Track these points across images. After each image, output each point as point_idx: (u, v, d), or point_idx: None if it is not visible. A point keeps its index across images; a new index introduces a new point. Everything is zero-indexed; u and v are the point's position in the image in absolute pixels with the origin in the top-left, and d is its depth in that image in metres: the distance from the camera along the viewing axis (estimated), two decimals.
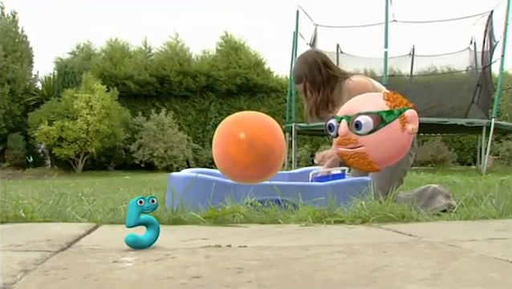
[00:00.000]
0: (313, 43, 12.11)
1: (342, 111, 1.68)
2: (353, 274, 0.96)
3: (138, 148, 13.20)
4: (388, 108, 1.58)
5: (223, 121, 1.31)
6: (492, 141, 10.18)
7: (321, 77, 2.72)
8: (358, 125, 1.57)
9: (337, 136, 1.65)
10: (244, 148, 1.21)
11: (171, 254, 1.16)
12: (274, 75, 15.91)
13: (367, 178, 2.36)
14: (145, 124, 13.35)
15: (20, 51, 13.75)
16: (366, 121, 1.57)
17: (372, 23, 11.11)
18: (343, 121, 1.62)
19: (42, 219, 1.71)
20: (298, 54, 3.18)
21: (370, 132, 1.57)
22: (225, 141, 1.26)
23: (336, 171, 2.59)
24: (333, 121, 1.67)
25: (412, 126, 1.59)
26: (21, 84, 13.55)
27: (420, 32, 12.46)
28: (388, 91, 1.83)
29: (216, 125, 1.44)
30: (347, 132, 1.60)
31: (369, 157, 1.62)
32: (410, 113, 1.58)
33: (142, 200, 1.24)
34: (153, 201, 1.25)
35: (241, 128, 1.24)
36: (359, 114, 1.59)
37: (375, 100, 1.64)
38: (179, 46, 15.40)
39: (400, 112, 1.56)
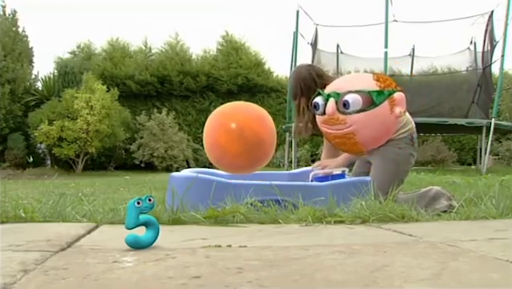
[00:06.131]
0: (314, 43, 12.11)
1: (330, 87, 1.63)
2: (353, 274, 0.96)
3: (138, 148, 13.20)
4: (377, 88, 1.55)
5: (213, 112, 1.30)
6: (492, 141, 10.16)
7: (315, 88, 2.61)
8: (346, 104, 1.52)
9: (323, 114, 1.60)
10: (234, 138, 1.20)
11: (171, 254, 1.16)
12: (274, 75, 15.90)
13: (367, 178, 2.35)
14: (147, 124, 13.38)
15: (20, 51, 13.73)
16: (354, 99, 1.52)
17: (372, 23, 11.12)
18: (331, 100, 1.57)
19: (42, 219, 1.71)
20: (295, 68, 2.94)
21: (358, 112, 1.53)
22: (215, 131, 1.25)
23: (336, 171, 2.59)
24: (319, 99, 1.62)
25: (400, 109, 1.55)
26: (21, 84, 13.52)
27: (420, 32, 12.46)
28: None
29: None
30: (335, 112, 1.56)
31: (356, 138, 1.57)
32: (399, 96, 1.56)
33: (140, 201, 1.23)
34: (150, 200, 1.25)
35: (232, 117, 1.23)
36: (350, 92, 1.55)
37: (365, 79, 1.60)
38: (179, 46, 15.39)
39: (390, 94, 1.53)
